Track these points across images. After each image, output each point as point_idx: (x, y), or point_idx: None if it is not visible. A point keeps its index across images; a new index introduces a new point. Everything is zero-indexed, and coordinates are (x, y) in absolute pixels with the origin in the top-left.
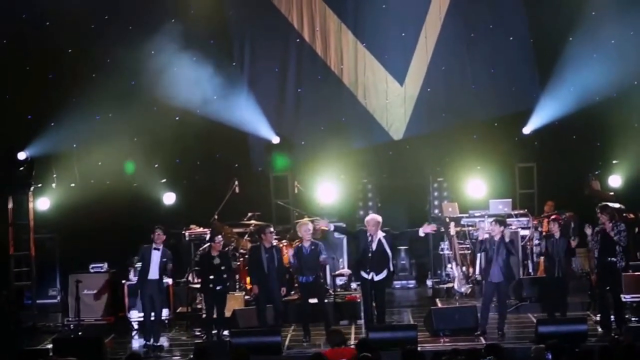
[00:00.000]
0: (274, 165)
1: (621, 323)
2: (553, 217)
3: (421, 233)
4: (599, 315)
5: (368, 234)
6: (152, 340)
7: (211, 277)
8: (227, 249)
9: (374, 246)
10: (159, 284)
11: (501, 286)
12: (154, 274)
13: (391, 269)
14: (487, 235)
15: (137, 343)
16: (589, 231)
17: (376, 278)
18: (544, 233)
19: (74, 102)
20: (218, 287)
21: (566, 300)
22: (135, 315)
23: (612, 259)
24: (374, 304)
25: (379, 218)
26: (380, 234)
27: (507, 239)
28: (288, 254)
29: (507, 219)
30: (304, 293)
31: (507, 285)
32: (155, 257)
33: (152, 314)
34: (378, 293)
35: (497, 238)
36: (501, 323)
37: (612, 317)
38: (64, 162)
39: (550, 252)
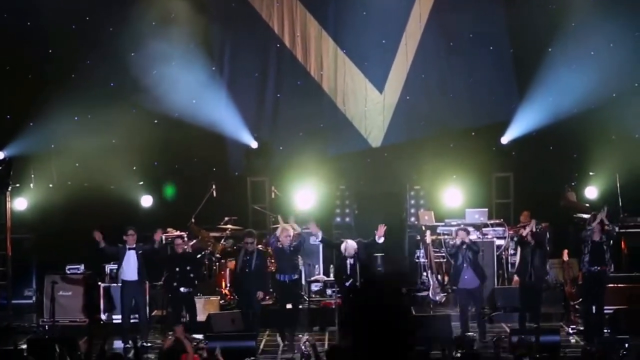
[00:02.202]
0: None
1: (597, 334)
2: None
3: (378, 239)
4: (572, 327)
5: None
6: (138, 339)
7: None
8: (203, 252)
9: (352, 261)
10: (139, 285)
11: (476, 291)
12: (131, 275)
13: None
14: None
15: (112, 345)
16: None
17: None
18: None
19: (53, 103)
20: (182, 289)
21: (540, 308)
22: (111, 317)
23: (602, 268)
24: None
25: (355, 245)
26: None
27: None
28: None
29: (483, 229)
30: (282, 294)
31: (481, 289)
32: (130, 258)
33: (137, 315)
34: None
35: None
36: (482, 334)
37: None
38: (42, 162)
39: (524, 258)
